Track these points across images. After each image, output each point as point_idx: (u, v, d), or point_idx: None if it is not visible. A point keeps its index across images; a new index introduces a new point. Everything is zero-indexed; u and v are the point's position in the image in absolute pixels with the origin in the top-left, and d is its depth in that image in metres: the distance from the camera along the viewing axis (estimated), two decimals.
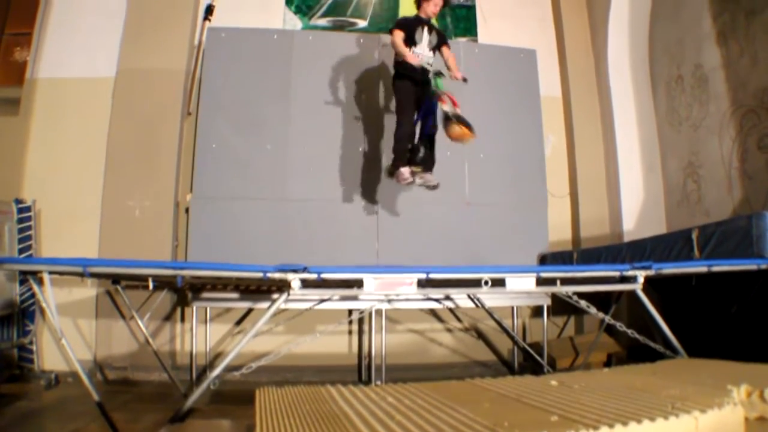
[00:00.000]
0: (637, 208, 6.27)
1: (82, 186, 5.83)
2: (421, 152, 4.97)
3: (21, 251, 5.34)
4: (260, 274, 3.25)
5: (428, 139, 5.09)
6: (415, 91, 5.10)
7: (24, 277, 4.22)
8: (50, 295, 3.45)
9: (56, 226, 5.73)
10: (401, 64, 5.07)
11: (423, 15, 5.15)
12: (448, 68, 5.17)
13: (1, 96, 6.24)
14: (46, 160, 5.90)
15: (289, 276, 3.19)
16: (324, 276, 3.30)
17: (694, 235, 4.12)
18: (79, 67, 6.12)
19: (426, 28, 5.16)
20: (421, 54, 5.07)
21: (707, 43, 5.44)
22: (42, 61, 6.13)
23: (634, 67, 6.57)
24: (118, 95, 5.95)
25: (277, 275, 3.21)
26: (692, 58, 5.69)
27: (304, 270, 3.21)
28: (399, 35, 4.98)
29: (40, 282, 3.42)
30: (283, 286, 3.34)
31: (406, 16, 5.08)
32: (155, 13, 6.09)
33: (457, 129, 4.68)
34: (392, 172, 5.15)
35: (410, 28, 5.08)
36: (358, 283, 3.40)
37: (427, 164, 5.07)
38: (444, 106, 4.78)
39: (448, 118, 4.74)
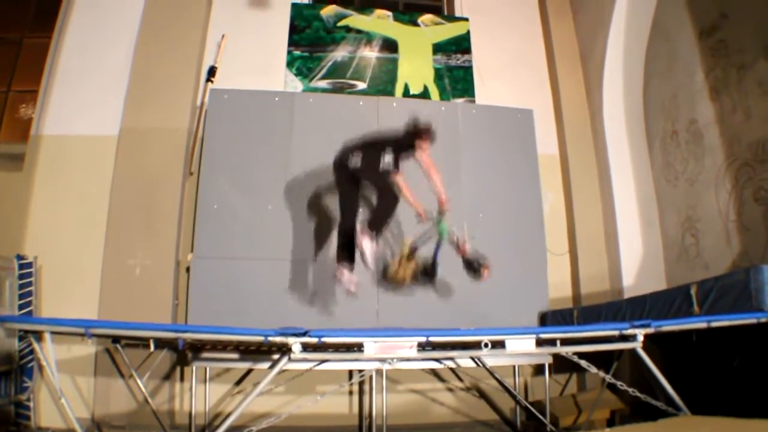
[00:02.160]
0: (637, 264, 6.28)
1: (84, 243, 5.84)
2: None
3: (21, 307, 5.33)
4: (261, 338, 3.26)
5: None
6: None
7: (24, 333, 4.21)
8: (51, 354, 3.45)
9: (57, 282, 5.72)
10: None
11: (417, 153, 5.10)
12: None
13: (5, 152, 6.35)
14: (48, 216, 5.93)
15: (290, 340, 3.19)
16: (324, 340, 3.30)
17: (693, 291, 4.12)
18: (84, 125, 6.22)
19: None
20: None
21: (701, 98, 5.55)
22: (47, 118, 6.23)
23: (629, 123, 6.67)
24: (121, 154, 6.02)
25: (278, 339, 3.21)
26: (686, 113, 5.79)
27: (305, 334, 3.22)
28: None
29: (41, 340, 3.43)
30: (284, 349, 3.34)
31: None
32: (159, 73, 6.23)
33: (486, 272, 4.89)
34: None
35: None
36: (359, 347, 3.40)
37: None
38: (464, 254, 4.96)
39: (471, 265, 4.93)
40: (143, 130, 6.05)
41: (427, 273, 5.14)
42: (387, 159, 4.88)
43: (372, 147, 4.98)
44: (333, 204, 5.53)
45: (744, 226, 4.96)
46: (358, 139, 5.10)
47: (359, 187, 5.13)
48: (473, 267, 4.89)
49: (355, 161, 4.87)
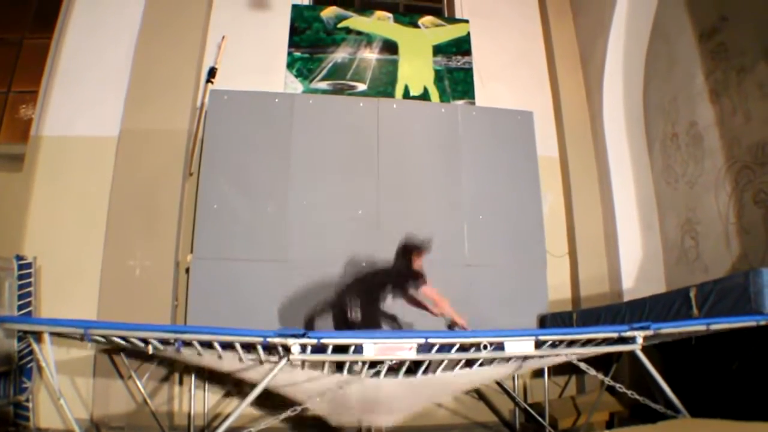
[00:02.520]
0: (636, 266, 6.28)
1: (84, 244, 5.84)
2: None
3: (21, 307, 5.33)
4: (260, 339, 3.26)
5: None
6: None
7: (23, 334, 4.20)
8: (50, 355, 3.45)
9: (57, 283, 5.72)
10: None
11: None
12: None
13: (5, 152, 6.34)
14: (48, 217, 5.93)
15: (289, 341, 3.20)
16: (324, 341, 3.30)
17: (692, 294, 4.11)
18: (84, 125, 6.23)
19: None
20: None
21: (700, 100, 5.55)
22: (47, 119, 6.24)
23: (629, 126, 6.68)
24: (120, 155, 6.02)
25: (277, 340, 3.21)
26: (686, 115, 5.79)
27: (304, 335, 3.22)
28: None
29: (40, 341, 3.42)
30: (283, 350, 3.34)
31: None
32: (159, 74, 6.24)
33: None
34: None
35: None
36: (358, 348, 3.40)
37: None
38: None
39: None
40: (143, 131, 6.05)
41: None
42: (387, 300, 5.12)
43: (370, 292, 5.04)
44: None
45: (744, 229, 4.96)
46: (354, 285, 5.12)
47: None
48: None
49: (356, 315, 4.85)
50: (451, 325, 5.06)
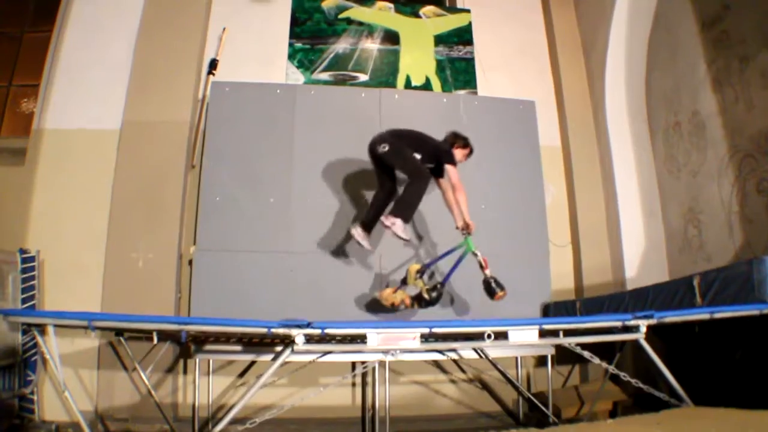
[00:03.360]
0: (639, 256, 6.28)
1: (87, 237, 5.85)
2: None
3: (24, 301, 5.34)
4: (264, 330, 3.26)
5: None
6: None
7: (27, 327, 4.21)
8: (54, 348, 3.45)
9: (60, 276, 5.73)
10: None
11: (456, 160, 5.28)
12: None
13: (7, 146, 6.34)
14: (51, 210, 5.94)
15: (293, 331, 3.19)
16: (328, 331, 3.30)
17: (696, 282, 4.11)
18: (85, 118, 6.22)
19: None
20: None
21: (703, 89, 5.53)
22: (48, 113, 6.23)
23: (632, 115, 6.66)
24: (123, 147, 6.02)
25: (281, 331, 3.21)
26: (689, 104, 5.77)
27: (308, 325, 3.22)
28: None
29: (44, 333, 3.43)
30: (287, 341, 3.34)
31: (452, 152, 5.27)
32: (160, 66, 6.22)
33: (501, 293, 4.93)
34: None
35: None
36: (362, 338, 3.40)
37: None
38: (486, 272, 5.01)
39: (490, 285, 4.97)
40: (145, 124, 6.04)
41: (430, 299, 5.22)
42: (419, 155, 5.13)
43: (402, 139, 5.17)
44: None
45: (747, 218, 4.95)
46: (391, 131, 5.29)
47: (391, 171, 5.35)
48: (491, 288, 4.95)
49: (383, 148, 5.06)
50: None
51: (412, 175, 5.05)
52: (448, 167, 5.08)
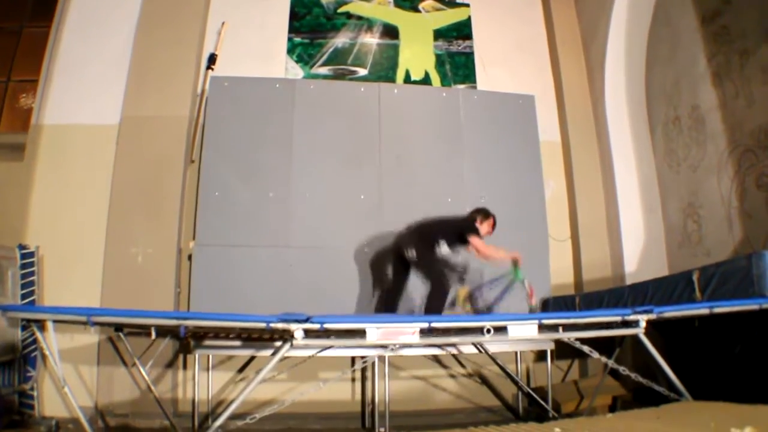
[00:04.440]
0: (639, 250, 6.28)
1: (86, 232, 5.84)
2: None
3: (24, 296, 5.34)
4: (263, 325, 3.25)
5: None
6: None
7: (27, 323, 4.21)
8: (53, 343, 3.45)
9: (59, 271, 5.73)
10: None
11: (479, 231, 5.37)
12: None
13: (6, 142, 6.32)
14: (50, 206, 5.93)
15: (292, 326, 3.19)
16: (327, 326, 3.30)
17: (695, 277, 4.12)
18: (84, 113, 6.21)
19: None
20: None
21: (703, 84, 5.52)
22: (47, 108, 6.22)
23: (631, 109, 6.65)
24: (121, 142, 6.01)
25: (280, 325, 3.21)
26: (689, 99, 5.76)
27: (307, 320, 3.22)
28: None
29: (44, 329, 3.43)
30: (286, 336, 3.34)
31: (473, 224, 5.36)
32: (159, 61, 6.21)
33: None
34: None
35: None
36: (361, 333, 3.40)
37: None
38: (531, 299, 5.32)
39: None
40: (144, 119, 6.03)
41: None
42: (444, 248, 5.28)
43: (427, 236, 5.32)
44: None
45: (746, 213, 4.95)
46: (415, 227, 5.45)
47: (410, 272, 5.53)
48: None
49: (411, 254, 5.21)
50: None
51: (434, 285, 5.17)
52: (471, 240, 5.21)
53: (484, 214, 5.43)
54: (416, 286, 5.59)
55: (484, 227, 5.35)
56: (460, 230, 5.31)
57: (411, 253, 5.21)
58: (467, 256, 5.67)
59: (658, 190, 6.37)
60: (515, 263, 5.34)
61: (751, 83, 4.89)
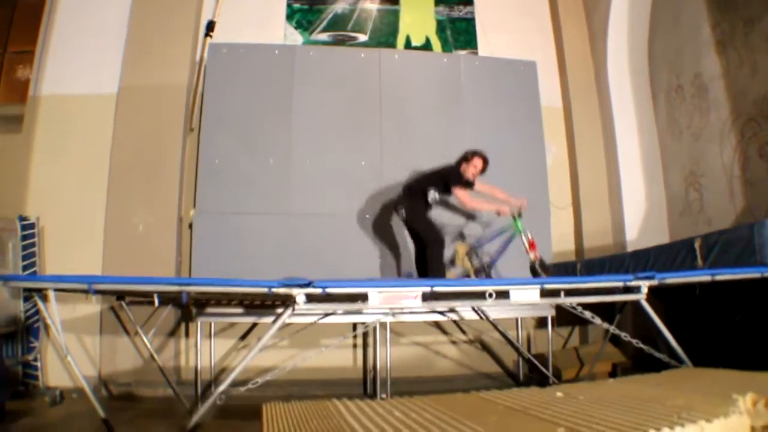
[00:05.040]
0: (640, 218, 6.28)
1: (86, 202, 5.84)
2: None
3: (25, 268, 5.36)
4: (265, 290, 3.26)
5: None
6: None
7: (29, 293, 4.22)
8: (55, 312, 3.46)
9: (60, 242, 5.74)
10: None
11: (465, 177, 5.32)
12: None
13: (4, 113, 6.27)
14: (49, 176, 5.92)
15: (294, 291, 3.19)
16: (329, 290, 3.30)
17: (697, 245, 4.12)
18: (82, 84, 6.16)
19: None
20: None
21: (706, 52, 5.46)
22: (44, 79, 6.18)
23: (633, 76, 6.60)
24: (120, 112, 5.98)
25: (282, 290, 3.21)
26: (692, 67, 5.71)
27: (309, 285, 3.22)
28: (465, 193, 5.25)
29: (45, 299, 3.43)
30: (288, 301, 3.34)
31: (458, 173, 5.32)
32: (156, 29, 6.14)
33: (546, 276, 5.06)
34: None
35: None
36: (363, 297, 3.40)
37: None
38: (531, 253, 5.18)
39: (534, 267, 5.17)
40: (142, 88, 5.99)
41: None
42: (432, 195, 5.27)
43: (417, 190, 5.34)
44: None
45: (748, 182, 4.93)
46: (406, 185, 5.53)
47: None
48: (536, 271, 5.14)
49: (402, 214, 5.33)
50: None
51: (428, 242, 5.19)
52: (454, 191, 5.20)
53: (469, 156, 5.35)
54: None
55: (470, 170, 5.30)
56: (445, 180, 5.28)
57: (402, 213, 5.27)
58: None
59: (659, 158, 6.34)
60: (517, 214, 5.26)
61: (756, 52, 4.83)
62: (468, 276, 5.38)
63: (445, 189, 5.30)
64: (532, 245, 5.15)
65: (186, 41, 6.20)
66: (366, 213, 5.98)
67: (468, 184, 5.35)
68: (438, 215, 5.62)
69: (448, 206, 5.72)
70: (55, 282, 3.50)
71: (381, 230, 5.91)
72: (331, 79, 6.25)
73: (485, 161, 5.34)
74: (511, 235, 5.38)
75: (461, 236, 6.00)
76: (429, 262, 5.09)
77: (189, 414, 3.83)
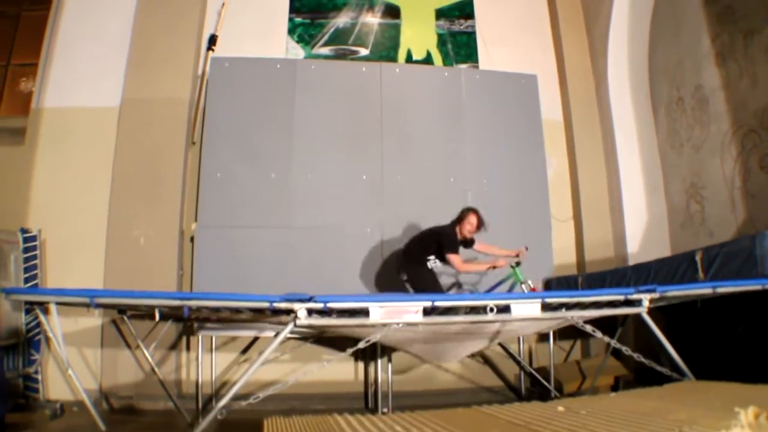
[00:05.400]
0: (641, 231, 6.27)
1: (88, 215, 5.84)
2: None
3: (27, 280, 5.35)
4: (267, 304, 3.26)
5: None
6: None
7: (30, 306, 4.22)
8: (57, 326, 3.46)
9: (62, 254, 5.74)
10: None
11: (460, 236, 5.35)
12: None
13: (7, 126, 6.31)
14: (51, 189, 5.93)
15: (296, 306, 3.20)
16: (330, 305, 3.30)
17: (698, 257, 4.12)
18: (85, 96, 6.18)
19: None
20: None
21: (706, 64, 5.48)
22: (47, 91, 6.19)
23: (634, 89, 6.62)
24: (122, 125, 5.99)
25: (284, 305, 3.21)
26: (692, 79, 5.72)
27: (310, 299, 3.22)
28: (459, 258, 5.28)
29: (47, 312, 3.43)
30: (290, 315, 3.34)
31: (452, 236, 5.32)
32: (159, 43, 6.17)
33: None
34: None
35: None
36: (364, 312, 3.40)
37: None
38: None
39: None
40: (145, 101, 6.01)
41: None
42: (432, 264, 5.33)
43: (417, 255, 5.37)
44: None
45: (749, 193, 4.93)
46: (404, 248, 5.56)
47: None
48: None
49: (404, 277, 5.40)
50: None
51: None
52: (448, 258, 5.20)
53: (463, 214, 5.35)
54: None
55: (466, 227, 5.30)
56: (440, 247, 5.27)
57: (405, 279, 5.36)
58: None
59: (660, 170, 6.35)
60: (515, 264, 5.37)
61: (755, 63, 4.85)
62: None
63: (441, 257, 5.32)
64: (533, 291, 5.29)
65: (188, 55, 6.22)
66: (367, 227, 5.99)
67: (466, 244, 5.41)
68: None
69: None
70: (56, 295, 3.51)
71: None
72: (333, 92, 6.26)
73: (479, 218, 5.33)
74: (512, 284, 5.53)
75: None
76: None
77: (190, 428, 3.84)
